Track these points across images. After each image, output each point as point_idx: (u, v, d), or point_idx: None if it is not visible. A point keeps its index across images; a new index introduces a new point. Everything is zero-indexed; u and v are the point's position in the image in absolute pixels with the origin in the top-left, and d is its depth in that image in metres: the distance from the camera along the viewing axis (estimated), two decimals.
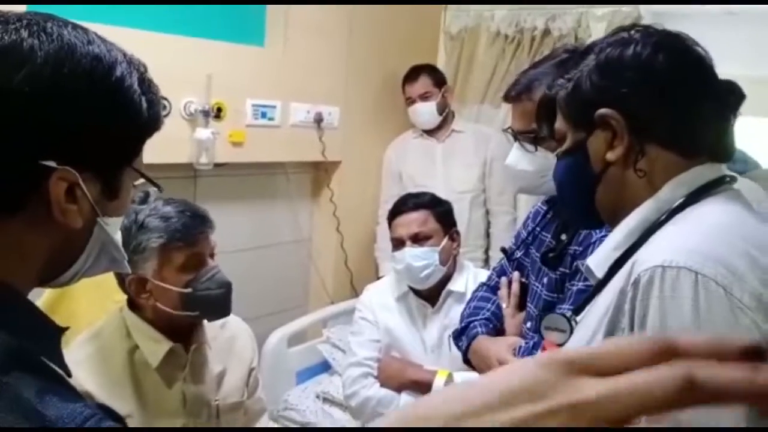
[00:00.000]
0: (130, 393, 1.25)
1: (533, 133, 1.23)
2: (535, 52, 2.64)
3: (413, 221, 1.82)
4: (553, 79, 0.90)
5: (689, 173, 0.78)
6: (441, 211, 1.86)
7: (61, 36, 0.58)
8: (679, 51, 0.79)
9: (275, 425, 1.92)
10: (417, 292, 1.87)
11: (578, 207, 0.89)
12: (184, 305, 1.24)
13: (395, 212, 1.87)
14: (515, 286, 1.43)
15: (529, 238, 1.40)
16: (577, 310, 0.85)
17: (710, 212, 0.75)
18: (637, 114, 0.78)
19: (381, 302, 1.91)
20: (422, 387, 1.75)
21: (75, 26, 0.61)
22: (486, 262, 2.70)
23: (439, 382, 1.73)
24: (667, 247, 0.70)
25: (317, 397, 2.25)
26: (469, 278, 1.85)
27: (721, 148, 0.81)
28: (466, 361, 1.44)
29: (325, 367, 2.44)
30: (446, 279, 1.85)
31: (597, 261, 0.83)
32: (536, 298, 1.32)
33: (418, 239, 1.80)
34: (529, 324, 1.34)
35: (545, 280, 1.29)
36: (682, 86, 0.78)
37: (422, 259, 1.78)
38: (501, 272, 1.52)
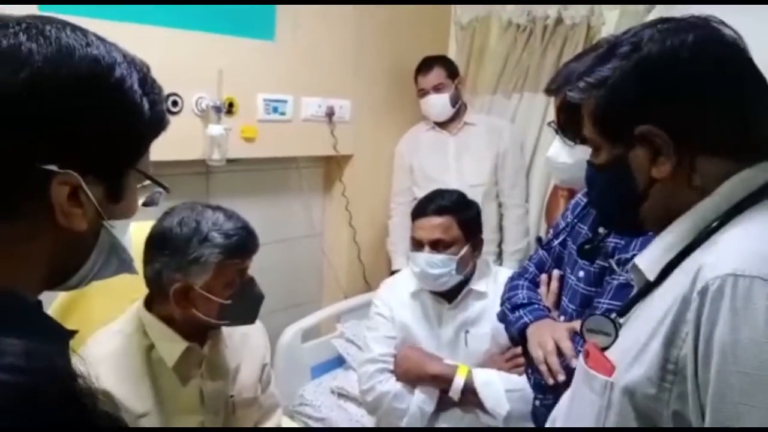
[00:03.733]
0: (148, 391, 1.25)
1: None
2: (548, 41, 2.61)
3: (436, 227, 1.74)
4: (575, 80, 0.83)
5: (747, 172, 0.72)
6: (467, 217, 1.78)
7: (59, 39, 0.58)
8: (716, 44, 0.73)
9: (290, 420, 1.92)
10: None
11: (620, 220, 0.84)
12: (219, 315, 1.26)
13: (419, 212, 1.80)
14: (554, 285, 1.39)
15: (567, 229, 1.37)
16: (622, 312, 0.79)
17: None
18: (683, 127, 0.72)
19: (397, 297, 1.88)
20: (441, 381, 1.72)
21: (74, 28, 0.60)
22: (498, 255, 2.68)
23: (459, 379, 1.69)
24: (737, 252, 0.66)
25: (332, 392, 2.25)
26: (490, 279, 1.82)
27: None
28: (520, 333, 1.35)
29: (339, 362, 2.44)
30: (465, 280, 1.80)
31: (647, 262, 0.77)
32: (571, 292, 1.29)
33: (437, 246, 1.74)
34: (562, 318, 1.31)
35: (581, 273, 1.26)
36: (728, 86, 0.72)
37: (439, 267, 1.73)
38: (539, 264, 1.47)
